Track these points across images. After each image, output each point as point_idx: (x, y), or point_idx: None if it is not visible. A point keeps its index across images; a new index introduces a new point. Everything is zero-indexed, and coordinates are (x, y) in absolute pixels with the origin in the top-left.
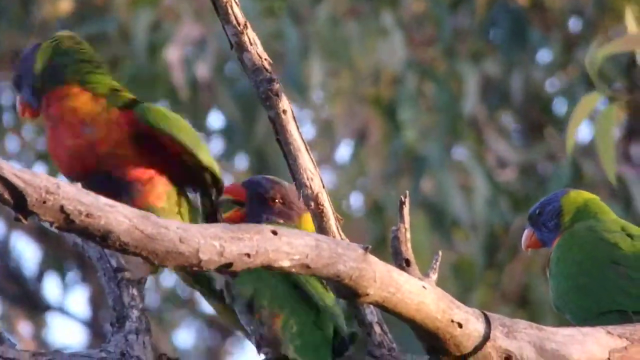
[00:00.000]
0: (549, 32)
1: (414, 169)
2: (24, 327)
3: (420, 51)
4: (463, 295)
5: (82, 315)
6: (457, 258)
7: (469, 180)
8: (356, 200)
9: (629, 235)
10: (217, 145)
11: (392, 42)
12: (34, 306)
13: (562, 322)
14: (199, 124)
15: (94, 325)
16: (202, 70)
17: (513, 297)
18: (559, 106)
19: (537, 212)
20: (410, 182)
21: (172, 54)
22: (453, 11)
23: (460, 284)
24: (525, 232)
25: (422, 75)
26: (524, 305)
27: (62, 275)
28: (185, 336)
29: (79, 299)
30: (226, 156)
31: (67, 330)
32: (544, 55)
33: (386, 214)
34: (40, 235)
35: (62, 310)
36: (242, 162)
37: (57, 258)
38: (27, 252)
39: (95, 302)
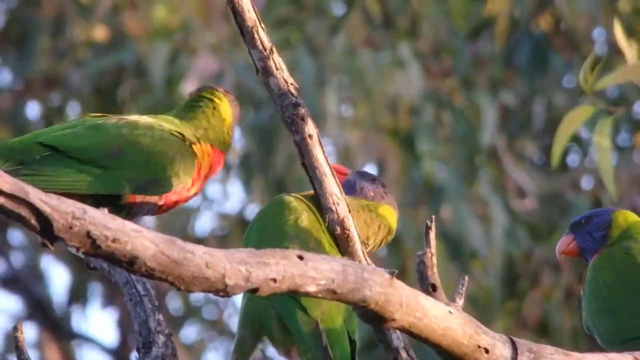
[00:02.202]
0: (572, 57)
1: (432, 199)
2: (53, 354)
3: (438, 82)
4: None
5: (109, 341)
6: (475, 288)
7: (488, 210)
8: None
9: None
10: (236, 176)
11: (409, 72)
12: (63, 333)
13: (584, 350)
14: None
15: (121, 351)
16: None
17: (533, 326)
18: (583, 133)
19: (583, 220)
20: (429, 213)
21: (190, 87)
22: (472, 39)
23: (479, 314)
24: (564, 238)
25: (439, 105)
26: (545, 334)
27: (85, 299)
28: (213, 356)
29: (106, 323)
30: (245, 185)
31: (94, 357)
32: (567, 81)
33: (405, 244)
34: (68, 260)
35: (89, 338)
36: (260, 191)
37: (84, 283)
38: (55, 277)
39: (124, 325)
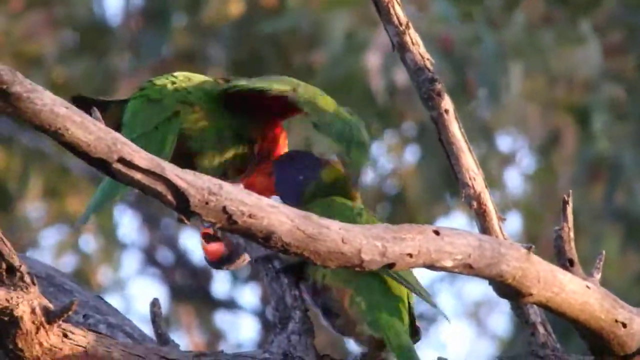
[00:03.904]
0: None
1: (609, 177)
2: (194, 320)
3: (615, 58)
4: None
5: (252, 306)
6: None
7: None
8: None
9: None
10: (411, 152)
11: (588, 49)
12: (205, 298)
13: None
14: (395, 130)
15: (264, 317)
16: (400, 76)
17: None
18: None
19: None
20: (603, 191)
21: (372, 60)
22: None
23: None
24: None
25: (616, 82)
26: None
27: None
28: None
29: (249, 294)
30: (419, 163)
31: (237, 323)
32: None
33: (578, 221)
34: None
35: (232, 302)
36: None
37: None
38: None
39: (266, 298)
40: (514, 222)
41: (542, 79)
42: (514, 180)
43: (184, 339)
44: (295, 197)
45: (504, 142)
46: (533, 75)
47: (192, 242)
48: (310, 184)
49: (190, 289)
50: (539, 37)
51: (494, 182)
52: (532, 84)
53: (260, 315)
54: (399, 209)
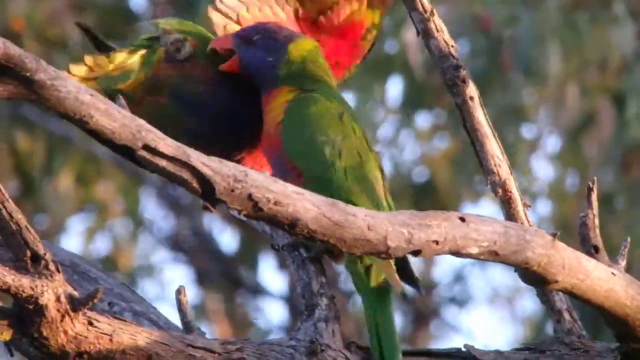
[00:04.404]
0: None
1: None
2: (221, 306)
3: None
4: None
5: (280, 291)
6: None
7: None
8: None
9: None
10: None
11: (622, 31)
12: (233, 284)
13: None
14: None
15: (292, 302)
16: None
17: None
18: None
19: None
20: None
21: (409, 36)
22: None
23: None
24: None
25: None
26: None
27: (255, 260)
28: None
29: (277, 280)
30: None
31: (266, 308)
32: None
33: (612, 206)
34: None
35: (260, 288)
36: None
37: (252, 243)
38: (225, 233)
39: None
40: (544, 208)
41: (577, 61)
42: (545, 165)
43: (211, 325)
44: (272, 81)
45: (537, 125)
46: (568, 57)
47: (218, 229)
48: (281, 67)
49: (217, 275)
50: (574, 19)
51: (522, 167)
52: (567, 65)
53: (288, 301)
54: (427, 195)
